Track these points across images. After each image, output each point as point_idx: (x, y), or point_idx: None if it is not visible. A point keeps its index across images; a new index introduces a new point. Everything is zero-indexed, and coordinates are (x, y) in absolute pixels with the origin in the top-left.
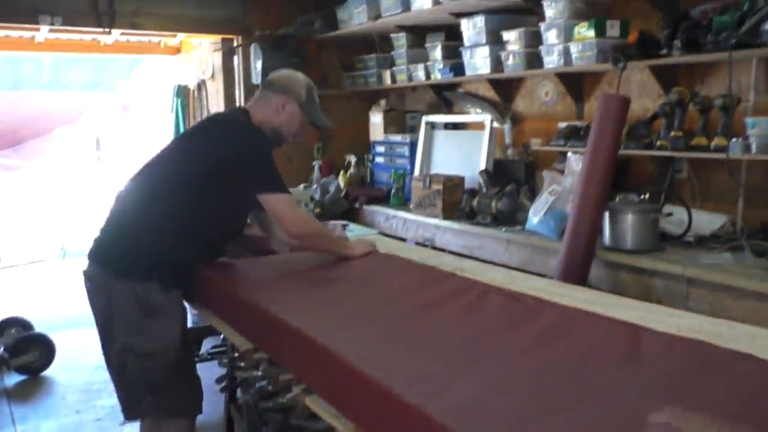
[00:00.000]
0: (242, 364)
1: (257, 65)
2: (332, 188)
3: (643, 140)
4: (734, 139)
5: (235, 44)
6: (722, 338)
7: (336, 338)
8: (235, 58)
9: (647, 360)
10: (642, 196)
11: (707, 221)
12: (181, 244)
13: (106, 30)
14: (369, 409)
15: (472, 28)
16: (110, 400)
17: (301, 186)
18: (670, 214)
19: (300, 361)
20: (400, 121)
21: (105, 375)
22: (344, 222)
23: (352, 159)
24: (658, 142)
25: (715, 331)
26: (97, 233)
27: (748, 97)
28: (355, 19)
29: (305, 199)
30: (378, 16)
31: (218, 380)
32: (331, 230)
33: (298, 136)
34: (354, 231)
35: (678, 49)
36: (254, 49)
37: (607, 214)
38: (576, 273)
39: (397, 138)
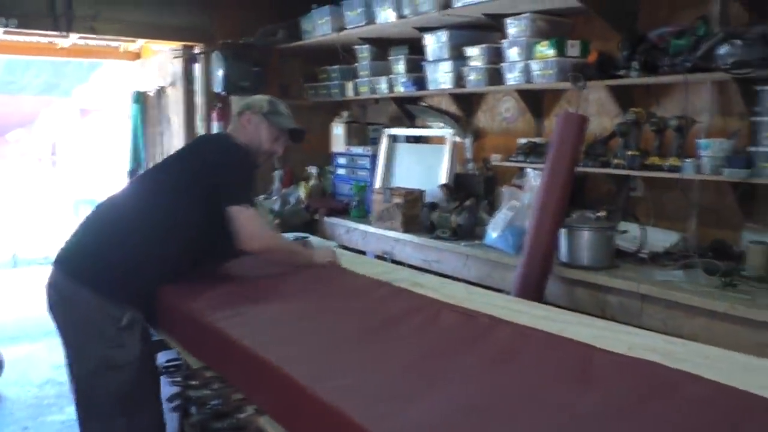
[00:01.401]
0: (194, 382)
1: (219, 73)
2: (293, 199)
3: (600, 158)
4: (687, 160)
5: (196, 51)
6: (675, 357)
7: (287, 358)
8: (197, 65)
9: (598, 381)
10: (598, 214)
11: (661, 239)
12: (163, 258)
13: (63, 33)
14: (322, 431)
15: (435, 43)
16: (60, 415)
17: (261, 197)
18: (625, 231)
19: (251, 381)
20: (362, 133)
21: (55, 390)
22: (304, 235)
23: (314, 170)
24: (615, 161)
25: (669, 349)
26: (69, 240)
27: (702, 119)
28: (318, 30)
29: (263, 211)
30: (342, 28)
31: (170, 399)
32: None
33: (274, 147)
34: (313, 244)
35: (636, 70)
36: (216, 57)
37: (563, 231)
38: (533, 289)
39: (359, 150)
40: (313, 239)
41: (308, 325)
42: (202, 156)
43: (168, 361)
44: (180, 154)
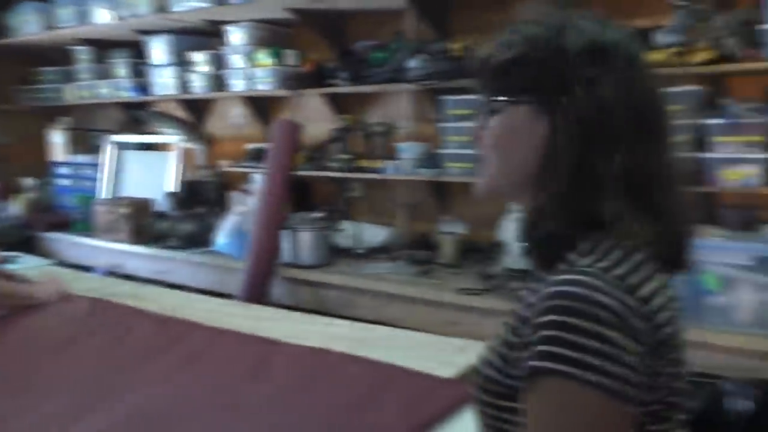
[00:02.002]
0: None
1: None
2: (6, 215)
3: (319, 162)
4: (390, 162)
5: None
6: (363, 342)
7: None
8: None
9: (274, 373)
10: (317, 214)
11: (376, 234)
12: None
13: None
14: None
15: (158, 48)
16: None
17: None
18: (342, 230)
19: None
20: (86, 140)
21: None
22: (15, 254)
23: (31, 182)
24: (332, 164)
25: (360, 336)
26: None
27: (402, 125)
28: (25, 28)
29: None
30: (53, 27)
31: None
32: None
33: None
34: (25, 263)
35: (345, 80)
36: None
37: (285, 233)
38: (258, 290)
39: (83, 159)
40: (25, 257)
41: None
42: None
43: None
44: None
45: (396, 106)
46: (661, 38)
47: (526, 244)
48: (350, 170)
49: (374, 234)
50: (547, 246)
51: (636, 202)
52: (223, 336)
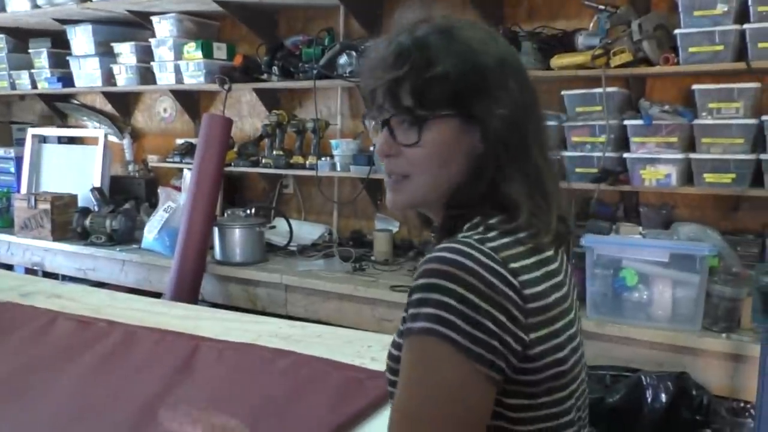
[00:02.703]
0: None
1: None
2: None
3: (251, 158)
4: (323, 159)
5: None
6: (293, 339)
7: None
8: None
9: (198, 368)
10: (248, 211)
11: (309, 232)
12: None
13: None
14: None
15: (79, 37)
16: None
17: None
18: (273, 227)
19: None
20: (4, 133)
21: None
22: None
23: None
24: (264, 160)
25: (289, 332)
26: None
27: (335, 122)
28: None
29: None
30: None
31: None
32: None
33: None
34: None
35: (275, 75)
36: None
37: (216, 230)
38: (187, 288)
39: (0, 152)
40: None
41: None
42: None
43: None
44: None
45: (331, 102)
46: (582, 41)
47: (434, 235)
48: (283, 166)
49: (307, 231)
50: (445, 227)
51: (531, 191)
52: (146, 333)
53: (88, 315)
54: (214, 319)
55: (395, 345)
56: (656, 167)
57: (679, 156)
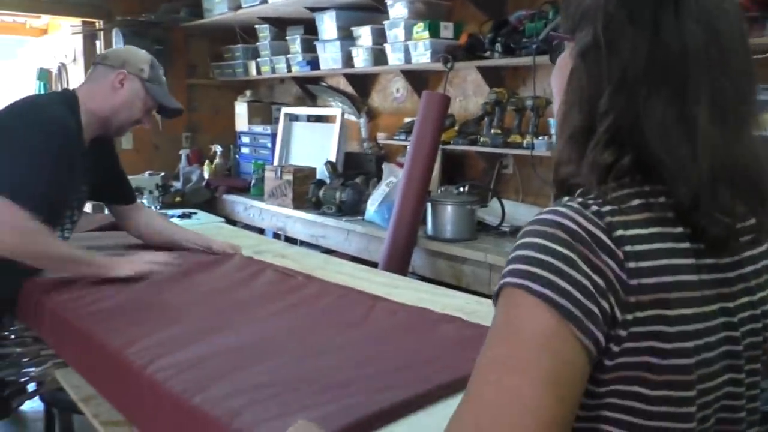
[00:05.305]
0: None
1: None
2: (194, 177)
3: (471, 137)
4: (540, 138)
5: (97, 28)
6: (477, 315)
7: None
8: (98, 42)
9: (369, 322)
10: (462, 189)
11: (524, 214)
12: None
13: None
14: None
15: (325, 23)
16: None
17: (146, 173)
18: (485, 206)
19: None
20: (265, 112)
21: None
22: (193, 210)
23: (218, 149)
24: (481, 139)
25: (473, 308)
26: None
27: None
28: (217, 9)
29: (150, 186)
30: (238, 7)
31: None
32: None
33: (143, 121)
34: (201, 220)
35: (498, 52)
36: (116, 35)
37: (429, 206)
38: (398, 260)
39: (259, 129)
40: (201, 215)
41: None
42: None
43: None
44: None
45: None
46: None
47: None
48: (500, 145)
49: (522, 213)
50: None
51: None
52: (335, 289)
53: (296, 270)
54: (409, 288)
55: None
56: None
57: None
